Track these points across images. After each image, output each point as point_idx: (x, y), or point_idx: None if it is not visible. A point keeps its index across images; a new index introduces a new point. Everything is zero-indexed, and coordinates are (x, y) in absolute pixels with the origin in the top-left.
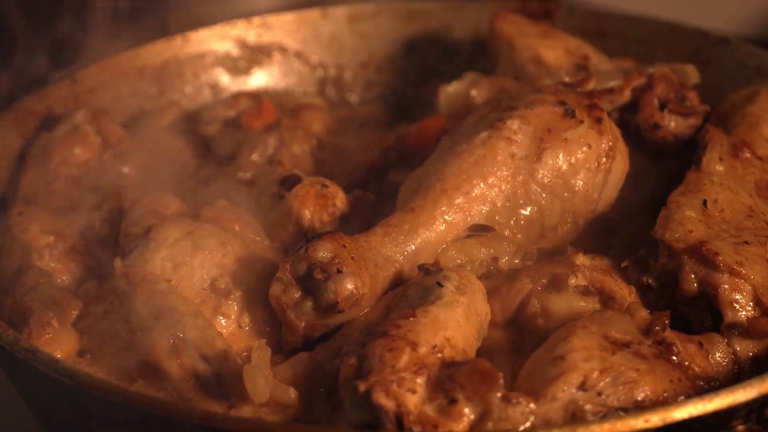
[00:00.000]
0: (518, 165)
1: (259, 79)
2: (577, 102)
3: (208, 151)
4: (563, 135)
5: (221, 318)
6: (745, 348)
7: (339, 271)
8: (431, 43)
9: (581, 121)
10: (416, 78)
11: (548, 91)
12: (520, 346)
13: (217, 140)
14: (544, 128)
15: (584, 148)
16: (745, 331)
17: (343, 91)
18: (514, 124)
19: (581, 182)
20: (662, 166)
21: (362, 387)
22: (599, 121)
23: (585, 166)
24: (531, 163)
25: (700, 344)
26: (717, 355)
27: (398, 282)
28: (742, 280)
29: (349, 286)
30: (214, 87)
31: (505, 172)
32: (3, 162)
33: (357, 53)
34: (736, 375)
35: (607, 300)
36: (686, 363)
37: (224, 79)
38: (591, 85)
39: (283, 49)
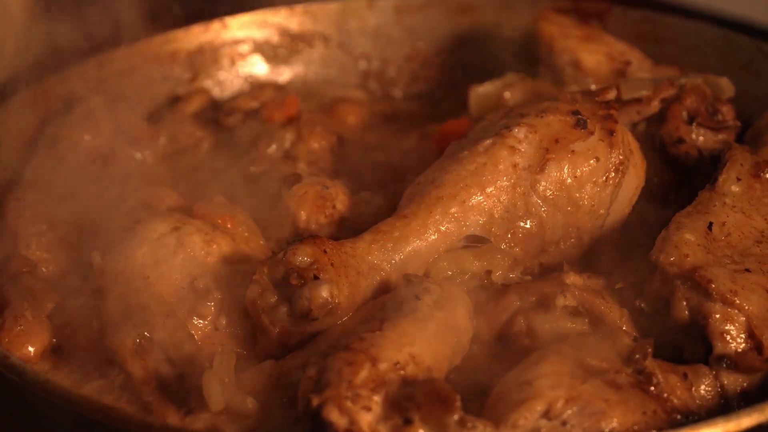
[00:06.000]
0: (520, 175)
1: (299, 68)
2: (591, 112)
3: (229, 142)
4: (570, 146)
5: (196, 319)
6: (734, 382)
7: (316, 278)
8: (480, 40)
9: (591, 133)
10: (463, 75)
11: (564, 99)
12: (506, 365)
13: (236, 131)
14: (552, 138)
15: (591, 161)
16: (734, 364)
17: (386, 85)
18: (520, 132)
19: (586, 197)
20: (688, 181)
21: (315, 401)
22: (611, 133)
23: (591, 179)
24: (533, 174)
25: (685, 375)
26: (702, 387)
27: (384, 291)
28: (736, 310)
29: (324, 293)
30: (250, 75)
31: (505, 182)
32: (14, 143)
33: (402, 46)
34: (722, 410)
35: (596, 322)
36: (665, 395)
37: (261, 68)
38: (611, 95)
39: (325, 39)
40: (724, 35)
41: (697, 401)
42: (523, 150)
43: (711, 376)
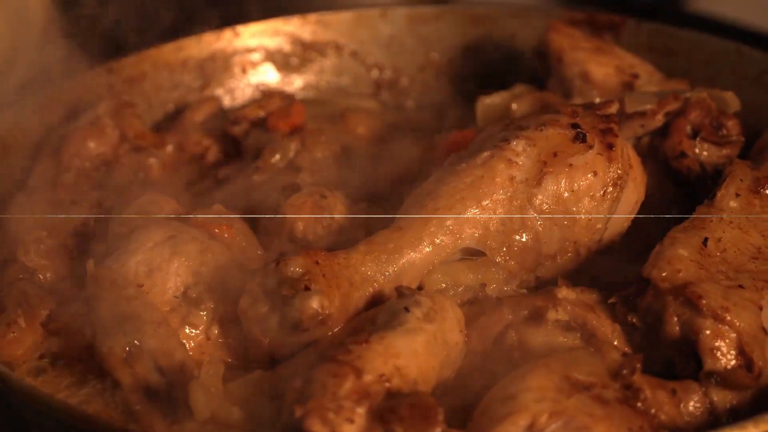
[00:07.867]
0: (517, 189)
1: (311, 77)
2: (591, 125)
3: (235, 151)
4: (569, 160)
5: (189, 328)
6: (724, 398)
7: (307, 288)
8: (493, 51)
9: (590, 146)
10: (475, 86)
11: (565, 112)
12: (496, 378)
13: (242, 140)
14: (550, 151)
15: (589, 175)
16: (723, 380)
17: (399, 95)
18: (518, 145)
19: (584, 211)
20: (691, 195)
21: (298, 412)
22: (610, 147)
23: (588, 194)
24: (530, 187)
25: (674, 391)
26: (690, 404)
27: (377, 303)
28: (726, 327)
29: (314, 304)
30: (261, 84)
31: (501, 196)
32: (22, 149)
33: (415, 56)
34: (712, 426)
35: (589, 337)
36: (652, 410)
37: (272, 76)
38: (613, 108)
39: (338, 48)
40: (736, 49)
41: (686, 417)
42: (520, 163)
43: (700, 392)
